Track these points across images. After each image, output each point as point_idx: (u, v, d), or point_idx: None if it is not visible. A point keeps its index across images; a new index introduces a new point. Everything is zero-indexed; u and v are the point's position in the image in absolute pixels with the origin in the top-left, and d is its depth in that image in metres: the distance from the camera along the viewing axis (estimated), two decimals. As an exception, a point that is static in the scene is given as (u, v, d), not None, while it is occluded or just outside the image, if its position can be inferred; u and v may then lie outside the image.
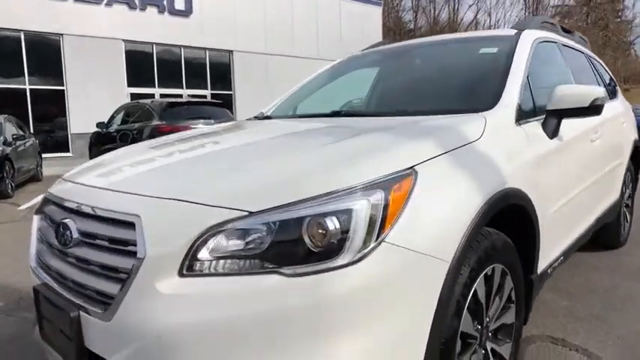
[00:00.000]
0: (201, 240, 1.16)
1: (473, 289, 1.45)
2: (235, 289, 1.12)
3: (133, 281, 1.19)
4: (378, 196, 1.20)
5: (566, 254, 2.34)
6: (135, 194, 1.34)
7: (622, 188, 3.41)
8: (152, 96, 12.86)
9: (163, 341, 1.13)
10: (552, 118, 2.06)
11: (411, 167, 1.33)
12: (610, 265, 3.30)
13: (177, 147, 1.93)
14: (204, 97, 13.99)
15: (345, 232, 1.15)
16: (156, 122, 7.87)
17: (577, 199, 2.37)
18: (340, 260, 1.12)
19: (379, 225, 1.18)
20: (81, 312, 1.31)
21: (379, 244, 1.16)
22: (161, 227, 1.22)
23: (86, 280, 1.34)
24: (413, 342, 1.23)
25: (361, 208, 1.17)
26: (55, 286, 1.47)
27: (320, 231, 1.15)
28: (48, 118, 12.36)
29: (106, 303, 1.26)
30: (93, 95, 12.29)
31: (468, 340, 1.50)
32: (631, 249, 3.64)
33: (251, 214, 1.17)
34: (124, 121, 8.95)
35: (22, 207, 6.56)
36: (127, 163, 1.75)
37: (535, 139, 1.98)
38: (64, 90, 12.26)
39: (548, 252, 2.07)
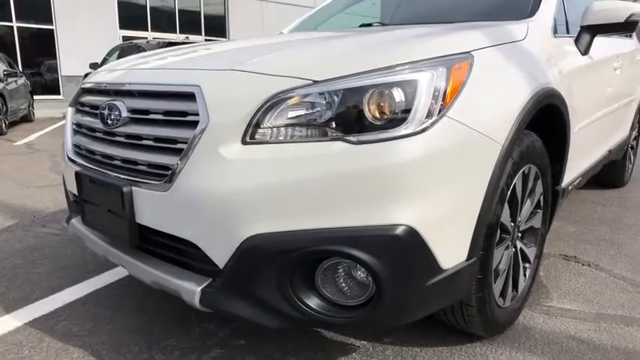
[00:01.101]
0: (264, 108, 1.16)
1: (513, 182, 1.49)
2: (300, 155, 1.13)
3: (194, 149, 1.19)
4: (441, 72, 1.20)
5: (585, 176, 2.40)
6: (191, 69, 1.32)
7: (630, 128, 3.47)
8: (145, 39, 12.41)
9: (226, 203, 1.14)
10: (586, 34, 2.05)
11: (469, 52, 1.32)
12: (614, 200, 3.40)
13: (214, 44, 1.88)
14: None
15: (409, 103, 1.15)
16: (152, 63, 7.69)
17: (599, 123, 2.41)
18: (404, 130, 1.13)
19: (441, 99, 1.18)
20: (133, 187, 1.32)
21: (441, 117, 1.17)
22: (223, 96, 1.20)
23: (138, 155, 1.34)
24: (465, 216, 1.26)
25: (425, 80, 1.17)
26: (100, 168, 1.46)
27: (384, 101, 1.15)
28: (38, 58, 11.88)
29: (162, 175, 1.26)
30: (83, 37, 11.81)
31: (503, 235, 1.56)
32: (633, 188, 3.75)
33: (315, 82, 1.16)
34: (117, 63, 8.70)
35: (19, 143, 6.44)
36: (167, 55, 1.71)
37: (569, 53, 1.98)
38: (53, 30, 11.74)
39: (572, 168, 2.12)
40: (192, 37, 12.06)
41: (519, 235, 1.71)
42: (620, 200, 3.40)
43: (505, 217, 1.50)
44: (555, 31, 1.94)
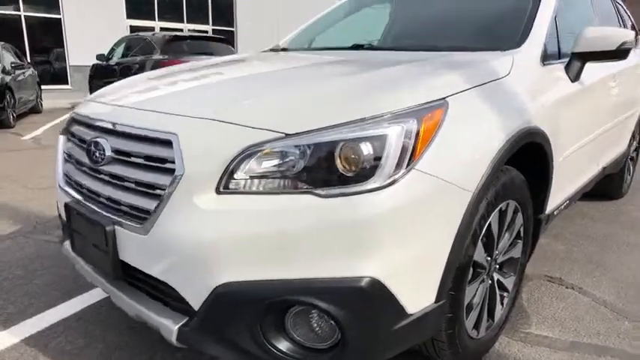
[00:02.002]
0: (238, 159, 1.20)
1: (488, 221, 1.52)
2: (270, 207, 1.17)
3: (170, 197, 1.23)
4: (411, 124, 1.23)
5: (572, 199, 2.41)
6: (172, 114, 1.36)
7: (630, 140, 3.45)
8: (152, 29, 12.43)
9: (199, 253, 1.19)
10: (576, 61, 2.05)
11: (444, 98, 1.35)
12: (609, 214, 3.40)
13: (203, 72, 1.92)
14: (206, 32, 13.52)
15: (377, 157, 1.18)
16: (157, 56, 7.75)
17: (589, 146, 2.41)
18: (371, 184, 1.17)
19: (410, 152, 1.21)
20: (116, 226, 1.37)
21: (409, 170, 1.20)
22: (198, 146, 1.24)
23: (120, 196, 1.39)
24: (432, 265, 1.30)
25: (394, 134, 1.20)
26: (86, 202, 1.52)
27: (353, 155, 1.18)
28: (45, 48, 11.98)
29: (142, 218, 1.31)
30: (91, 26, 11.85)
31: (478, 270, 1.60)
32: (631, 200, 3.74)
33: (287, 135, 1.19)
34: (124, 54, 8.76)
35: (26, 137, 6.55)
36: (155, 85, 1.75)
37: (557, 82, 1.98)
38: (60, 19, 11.80)
39: (557, 194, 2.13)
40: (199, 27, 12.03)
41: (497, 267, 1.74)
42: (615, 214, 3.40)
43: (479, 254, 1.54)
44: (544, 59, 1.93)
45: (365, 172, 1.18)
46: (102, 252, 1.44)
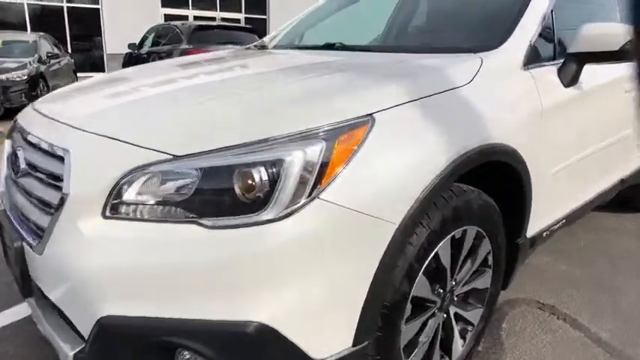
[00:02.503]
0: (124, 181, 1.09)
1: (433, 252, 1.33)
2: (153, 237, 1.06)
3: (58, 218, 1.15)
4: (317, 148, 1.07)
5: (571, 217, 2.13)
6: (71, 127, 1.26)
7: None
8: (186, 17, 12.56)
9: (82, 282, 1.10)
10: (572, 63, 1.78)
11: (370, 114, 1.17)
12: (631, 229, 3.04)
13: (143, 81, 1.81)
14: (238, 20, 13.53)
15: (272, 184, 1.04)
16: (184, 46, 7.81)
17: (593, 158, 2.11)
18: (264, 215, 1.03)
19: (314, 179, 1.05)
20: (23, 243, 1.31)
21: (311, 200, 1.05)
22: (88, 164, 1.15)
23: (28, 211, 1.32)
24: (343, 305, 1.14)
25: (293, 160, 1.05)
26: (10, 214, 1.47)
27: (249, 181, 1.04)
28: (85, 37, 12.45)
29: (40, 237, 1.24)
30: (127, 15, 12.16)
31: (426, 304, 1.42)
32: (661, 213, 3.34)
33: (176, 157, 1.07)
34: (155, 43, 8.90)
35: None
36: (86, 95, 1.67)
37: (545, 87, 1.72)
38: (99, 9, 12.19)
39: (546, 215, 1.89)
40: (232, 15, 12.02)
41: (455, 299, 1.55)
42: (638, 228, 3.04)
43: (423, 289, 1.36)
44: (530, 61, 1.68)
45: (259, 200, 1.04)
46: (17, 266, 1.39)
